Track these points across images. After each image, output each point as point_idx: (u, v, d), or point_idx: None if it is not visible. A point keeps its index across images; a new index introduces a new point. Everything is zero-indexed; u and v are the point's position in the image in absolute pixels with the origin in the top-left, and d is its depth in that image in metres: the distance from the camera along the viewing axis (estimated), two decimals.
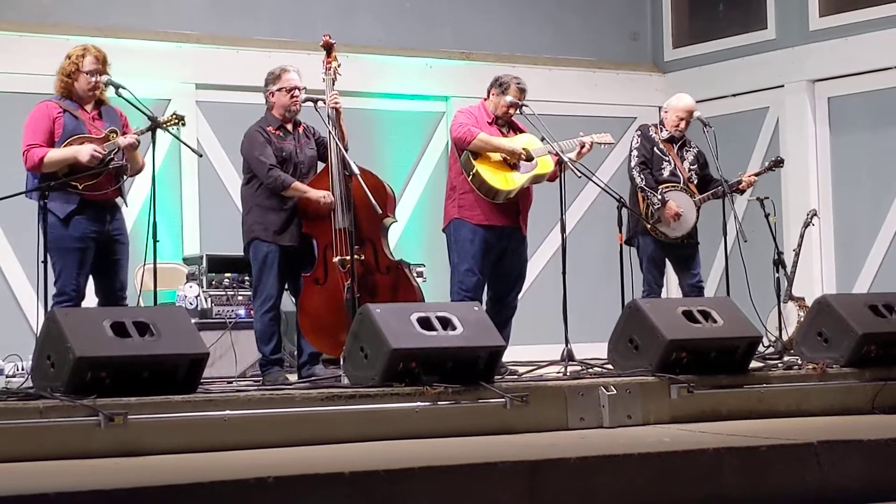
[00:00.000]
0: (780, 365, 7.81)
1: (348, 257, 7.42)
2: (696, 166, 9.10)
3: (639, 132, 9.13)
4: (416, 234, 11.45)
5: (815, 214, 10.61)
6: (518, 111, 8.19)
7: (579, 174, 7.96)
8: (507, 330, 8.01)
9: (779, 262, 9.44)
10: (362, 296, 7.33)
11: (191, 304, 9.13)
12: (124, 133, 7.25)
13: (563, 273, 8.10)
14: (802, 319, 8.57)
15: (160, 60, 10.77)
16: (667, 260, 9.07)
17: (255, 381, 7.75)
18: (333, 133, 7.62)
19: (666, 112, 9.15)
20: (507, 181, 8.06)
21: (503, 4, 12.47)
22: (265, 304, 7.62)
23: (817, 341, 7.65)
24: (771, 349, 9.27)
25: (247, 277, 8.97)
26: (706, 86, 12.13)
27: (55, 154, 7.08)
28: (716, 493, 5.58)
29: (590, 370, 7.50)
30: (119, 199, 7.33)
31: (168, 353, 6.13)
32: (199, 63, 11.02)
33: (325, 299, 7.59)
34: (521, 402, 6.46)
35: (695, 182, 9.05)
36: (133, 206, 7.51)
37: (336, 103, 7.70)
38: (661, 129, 9.13)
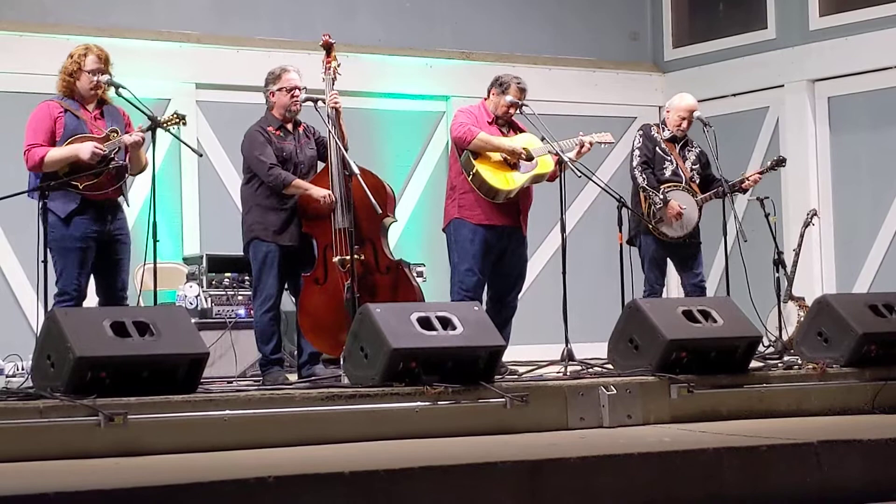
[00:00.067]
0: (780, 365, 7.80)
1: (348, 257, 7.42)
2: (698, 166, 9.10)
3: (641, 132, 9.13)
4: (416, 233, 11.45)
5: (815, 214, 10.61)
6: (518, 111, 8.19)
7: (579, 174, 7.96)
8: (508, 330, 8.01)
9: (779, 262, 9.44)
10: (362, 296, 7.33)
11: (191, 303, 9.13)
12: (127, 133, 7.25)
13: (563, 273, 8.10)
14: (802, 319, 8.57)
15: (160, 60, 10.76)
16: (668, 260, 9.07)
17: (255, 381, 7.75)
18: (333, 133, 7.63)
19: (668, 112, 9.15)
20: (507, 181, 8.05)
21: (503, 4, 12.46)
22: (265, 304, 7.62)
23: (817, 341, 7.65)
24: (771, 349, 9.27)
25: (247, 277, 8.96)
26: (706, 86, 12.12)
27: (56, 153, 7.08)
28: (716, 492, 5.58)
29: (590, 370, 7.51)
30: (121, 199, 7.33)
31: (168, 352, 6.13)
32: (200, 63, 11.02)
33: (325, 299, 7.59)
34: (522, 401, 6.46)
35: (697, 182, 9.05)
36: (133, 205, 7.52)
37: (336, 103, 7.70)
38: (663, 128, 9.13)
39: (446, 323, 6.63)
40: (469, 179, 8.04)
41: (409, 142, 11.87)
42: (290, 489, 4.85)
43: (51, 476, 5.10)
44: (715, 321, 7.25)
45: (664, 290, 9.30)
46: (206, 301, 9.22)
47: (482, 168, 8.02)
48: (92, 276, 7.26)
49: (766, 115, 12.16)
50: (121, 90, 7.21)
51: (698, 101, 9.26)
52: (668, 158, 9.01)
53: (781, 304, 9.58)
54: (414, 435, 6.23)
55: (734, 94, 12.33)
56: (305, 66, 7.97)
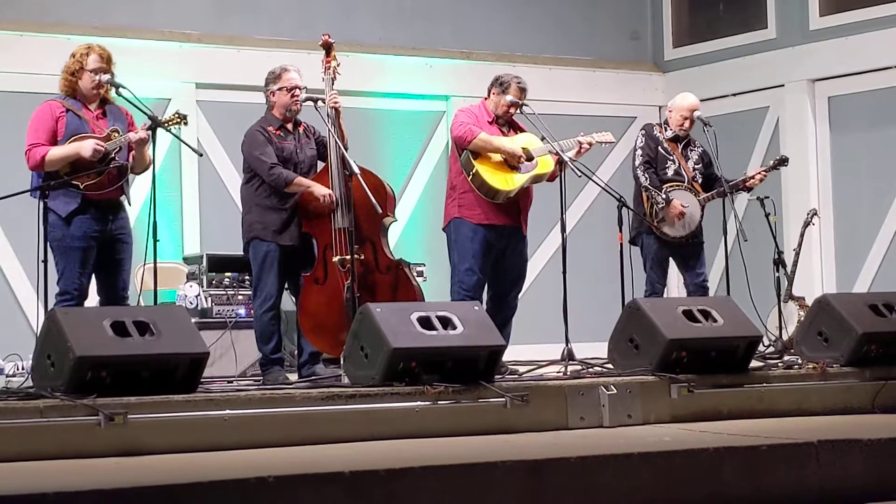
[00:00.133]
0: (780, 364, 7.80)
1: (348, 257, 7.42)
2: (700, 165, 9.10)
3: (643, 131, 9.14)
4: (416, 233, 11.45)
5: (816, 214, 10.61)
6: (518, 110, 8.19)
7: (579, 174, 7.96)
8: (508, 329, 8.01)
9: (779, 262, 9.44)
10: (362, 295, 7.33)
11: (191, 303, 9.12)
12: (131, 132, 7.25)
13: (564, 273, 8.10)
14: (802, 319, 8.57)
15: (161, 60, 10.76)
16: (671, 259, 9.06)
17: (255, 381, 7.74)
18: (333, 132, 7.63)
19: (670, 111, 9.15)
20: (507, 181, 8.05)
21: (503, 4, 12.47)
22: (265, 304, 7.62)
23: (817, 341, 7.65)
24: (771, 349, 9.27)
25: (247, 277, 8.96)
26: (706, 85, 12.12)
27: (57, 152, 7.08)
28: (716, 492, 5.58)
29: (590, 369, 7.50)
30: (122, 198, 7.32)
31: (168, 352, 6.13)
32: (200, 62, 11.02)
33: (326, 299, 7.58)
34: (522, 401, 6.46)
35: (699, 181, 9.05)
36: (133, 205, 7.51)
37: (335, 103, 7.70)
38: (665, 128, 9.14)
39: (446, 322, 6.63)
40: (469, 179, 8.04)
41: (409, 142, 11.87)
42: (290, 489, 4.85)
43: (51, 476, 5.10)
44: (715, 321, 7.25)
45: (666, 289, 9.30)
46: (207, 301, 9.21)
47: (482, 168, 8.02)
48: (93, 276, 7.26)
49: (767, 115, 12.17)
50: (121, 90, 7.21)
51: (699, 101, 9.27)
52: (671, 158, 9.01)
53: (781, 303, 9.58)
54: (414, 435, 6.23)
55: (734, 94, 12.33)
56: (305, 66, 7.97)
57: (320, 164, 7.81)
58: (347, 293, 7.42)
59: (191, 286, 9.26)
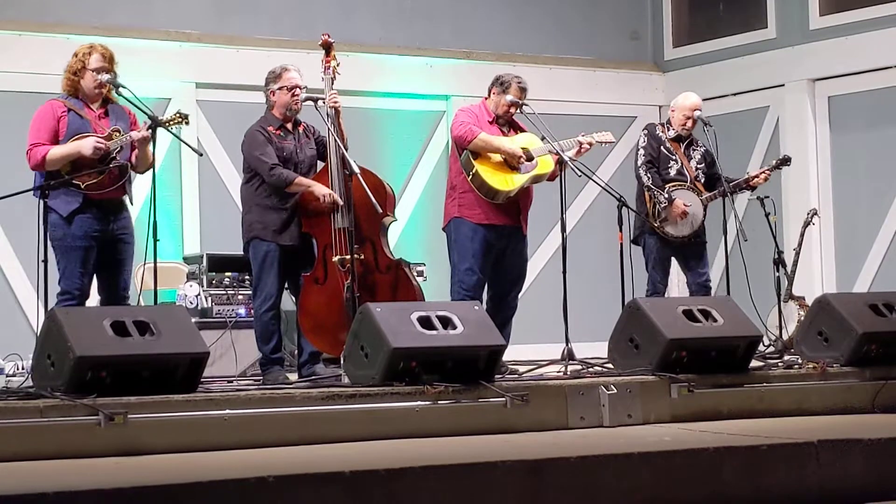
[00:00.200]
0: (780, 364, 7.80)
1: (348, 257, 7.42)
2: (703, 165, 9.10)
3: (646, 131, 9.14)
4: (416, 233, 11.45)
5: (816, 213, 10.61)
6: (518, 110, 8.19)
7: (580, 173, 7.96)
8: (508, 329, 8.00)
9: (779, 262, 9.44)
10: (362, 295, 7.33)
11: (191, 303, 9.12)
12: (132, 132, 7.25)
13: (564, 272, 8.10)
14: (803, 318, 8.57)
15: (160, 59, 10.76)
16: (673, 259, 9.06)
17: (255, 381, 7.74)
18: (333, 132, 7.62)
19: (673, 111, 9.16)
20: (506, 182, 8.05)
21: (503, 3, 12.46)
22: (265, 304, 7.61)
23: (817, 340, 7.65)
24: (771, 348, 9.26)
25: (247, 277, 8.96)
26: (706, 85, 12.10)
27: (57, 151, 7.08)
28: (716, 492, 5.58)
29: (590, 369, 7.50)
30: (125, 197, 7.32)
31: (168, 352, 6.13)
32: (200, 62, 11.02)
33: (326, 299, 7.58)
34: (522, 401, 6.46)
35: (702, 181, 9.05)
36: (133, 204, 7.51)
37: (335, 102, 7.70)
38: (668, 128, 9.15)
39: (446, 322, 6.63)
40: (469, 179, 8.04)
41: (409, 142, 11.87)
42: (290, 489, 4.85)
43: (50, 475, 5.10)
44: (715, 320, 7.25)
45: (667, 289, 9.31)
46: (207, 300, 9.21)
47: (482, 168, 8.02)
48: (94, 276, 7.26)
49: (767, 115, 12.17)
50: (121, 90, 7.21)
51: None
52: (673, 158, 9.01)
53: (782, 303, 9.58)
54: (414, 434, 6.23)
55: (734, 94, 12.33)
56: (305, 66, 7.96)
57: (320, 164, 7.80)
58: (347, 293, 7.42)
59: (191, 286, 9.26)
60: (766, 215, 9.34)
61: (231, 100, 10.86)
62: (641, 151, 9.01)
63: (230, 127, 10.12)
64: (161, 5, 11.04)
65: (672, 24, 13.03)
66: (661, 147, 9.01)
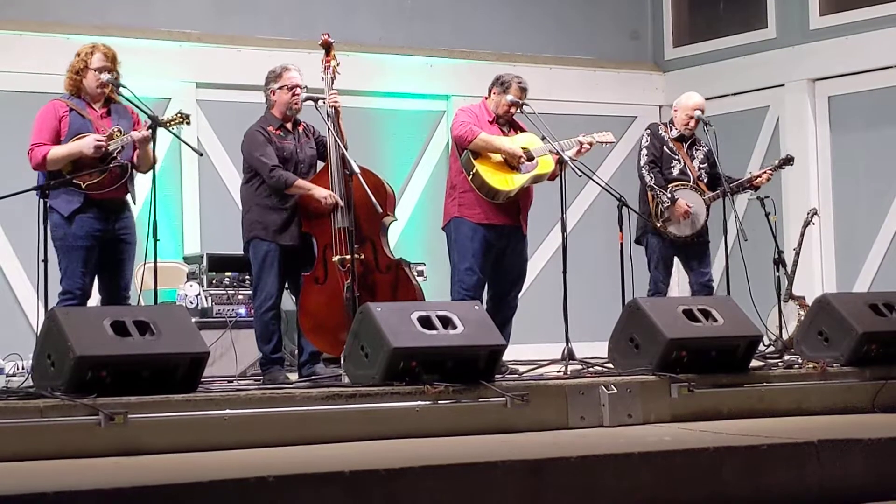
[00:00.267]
0: (780, 364, 7.80)
1: (348, 256, 7.42)
2: (705, 165, 9.10)
3: (648, 131, 9.14)
4: (416, 232, 11.45)
5: (816, 213, 10.62)
6: (519, 110, 8.18)
7: (580, 173, 7.97)
8: (508, 329, 8.00)
9: (779, 261, 9.43)
10: (362, 295, 7.33)
11: (191, 303, 9.12)
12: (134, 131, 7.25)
13: (564, 272, 8.10)
14: (803, 318, 8.57)
15: (161, 59, 10.76)
16: (675, 259, 9.06)
17: (255, 381, 7.74)
18: (333, 132, 7.63)
19: (675, 110, 9.16)
20: (507, 182, 8.05)
21: (503, 3, 12.46)
22: (265, 304, 7.61)
23: (818, 340, 7.65)
24: (771, 348, 9.26)
25: (247, 276, 8.96)
26: (706, 85, 12.07)
27: (58, 151, 7.08)
28: (716, 492, 5.58)
29: (590, 369, 7.50)
30: (127, 197, 7.31)
31: (168, 352, 6.13)
32: (200, 62, 11.02)
33: (326, 298, 7.58)
34: (522, 401, 6.46)
35: (704, 181, 9.05)
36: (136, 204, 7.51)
37: (335, 102, 7.70)
38: (670, 127, 9.14)
39: (447, 322, 6.63)
40: (469, 179, 8.04)
41: (409, 142, 11.87)
42: (290, 489, 4.85)
43: (50, 475, 5.10)
44: (715, 320, 7.25)
45: (669, 289, 9.31)
46: (207, 300, 9.21)
47: (482, 168, 8.02)
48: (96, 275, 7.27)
49: (767, 115, 12.17)
50: (121, 89, 7.21)
51: None
52: (676, 157, 9.01)
53: (782, 303, 9.58)
54: (414, 434, 6.23)
55: (734, 94, 12.33)
56: (305, 66, 7.96)
57: (320, 164, 7.80)
58: (347, 293, 7.42)
59: (191, 286, 9.26)
60: (767, 215, 9.33)
61: (231, 100, 10.87)
62: (644, 151, 9.01)
63: (230, 127, 10.12)
64: (161, 5, 11.04)
65: (672, 24, 13.03)
66: (664, 147, 9.01)
